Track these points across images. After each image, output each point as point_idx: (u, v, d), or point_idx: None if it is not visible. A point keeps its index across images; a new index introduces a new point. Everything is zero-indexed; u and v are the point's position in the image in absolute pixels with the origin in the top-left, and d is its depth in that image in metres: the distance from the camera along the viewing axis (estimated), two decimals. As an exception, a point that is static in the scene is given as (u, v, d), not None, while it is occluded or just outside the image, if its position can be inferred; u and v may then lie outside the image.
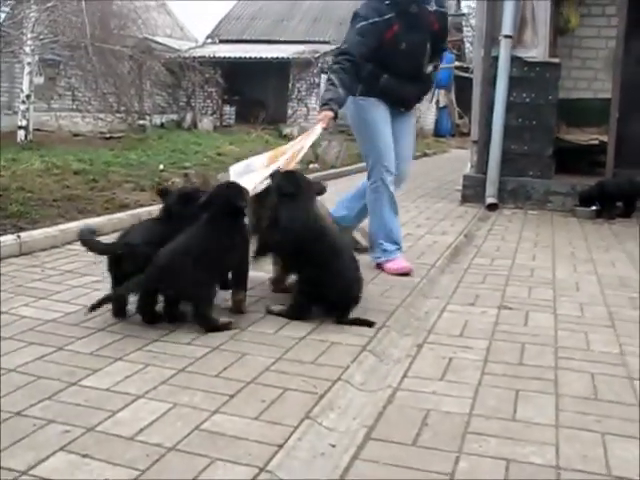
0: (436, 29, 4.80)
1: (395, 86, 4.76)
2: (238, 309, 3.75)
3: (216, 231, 3.57)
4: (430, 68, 4.92)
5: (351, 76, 4.51)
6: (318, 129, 4.44)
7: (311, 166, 11.99)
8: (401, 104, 4.95)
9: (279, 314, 3.71)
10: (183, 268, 3.39)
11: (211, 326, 3.44)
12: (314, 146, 13.17)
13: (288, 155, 4.24)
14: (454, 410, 2.73)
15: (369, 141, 4.90)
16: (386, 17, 4.55)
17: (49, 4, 11.41)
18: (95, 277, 4.28)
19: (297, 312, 3.69)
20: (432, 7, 4.74)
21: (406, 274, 4.73)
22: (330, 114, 4.40)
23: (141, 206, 6.94)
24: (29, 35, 11.78)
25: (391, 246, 4.92)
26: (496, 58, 8.33)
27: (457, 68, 22.01)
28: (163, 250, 3.46)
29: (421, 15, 4.67)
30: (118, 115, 17.47)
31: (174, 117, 22.68)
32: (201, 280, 3.42)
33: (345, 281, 3.69)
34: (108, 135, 15.72)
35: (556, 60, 8.56)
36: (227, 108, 24.68)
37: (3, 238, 4.97)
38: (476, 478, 2.24)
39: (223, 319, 3.52)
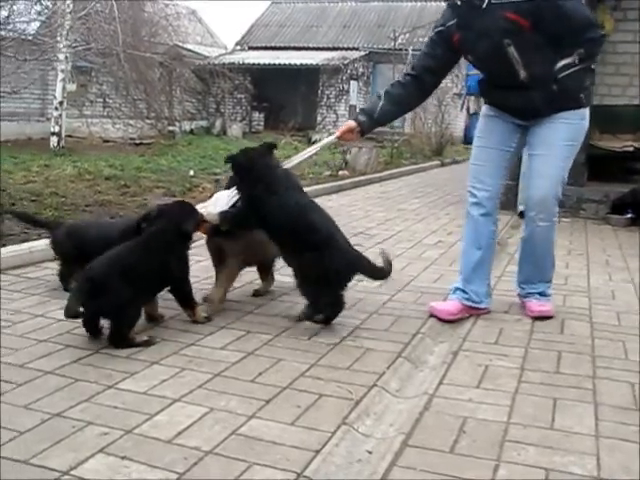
0: (526, 25, 3.64)
1: (495, 94, 4.04)
2: (198, 321, 3.64)
3: (153, 250, 3.48)
4: (554, 69, 3.74)
5: (408, 90, 3.99)
6: (331, 137, 4.15)
7: (340, 172, 11.99)
8: (514, 114, 4.00)
9: (312, 319, 3.60)
10: (108, 282, 3.24)
11: (125, 344, 3.26)
12: (343, 153, 13.21)
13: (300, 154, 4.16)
14: (491, 418, 2.70)
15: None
16: (448, 24, 3.85)
17: (82, 13, 11.55)
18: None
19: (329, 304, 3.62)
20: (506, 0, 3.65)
21: (447, 320, 3.96)
22: (351, 124, 4.00)
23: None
24: (63, 43, 11.93)
25: (456, 284, 4.17)
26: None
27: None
28: (96, 261, 3.36)
29: (484, 15, 3.68)
30: (148, 121, 17.64)
31: (203, 123, 22.86)
32: (124, 298, 3.23)
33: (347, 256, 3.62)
34: (138, 141, 15.89)
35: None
36: (256, 114, 24.84)
37: (38, 243, 5.04)
38: (516, 487, 2.22)
39: (141, 337, 3.35)
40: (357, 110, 4.15)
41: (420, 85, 4.01)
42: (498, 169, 4.08)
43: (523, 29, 3.67)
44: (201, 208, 3.76)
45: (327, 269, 3.50)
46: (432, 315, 3.97)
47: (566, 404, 2.86)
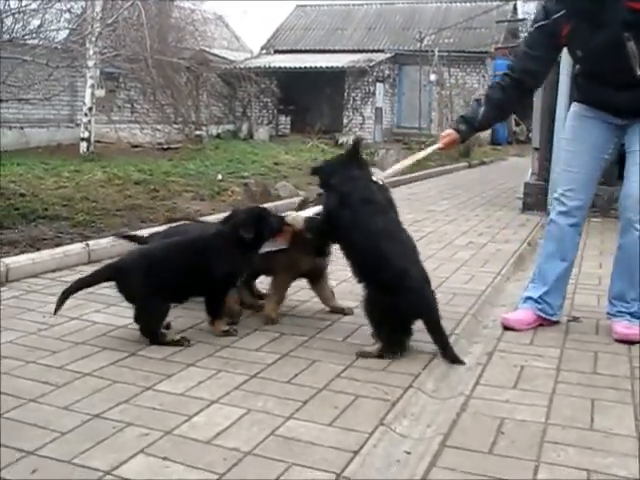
0: None
1: (596, 92, 3.66)
2: (215, 334, 3.53)
3: (193, 251, 3.53)
4: None
5: (508, 94, 3.73)
6: (433, 146, 3.97)
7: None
8: (617, 113, 3.64)
9: (376, 356, 3.25)
10: (134, 271, 3.39)
11: (155, 340, 3.35)
12: (371, 155, 13.23)
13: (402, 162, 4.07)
14: (529, 418, 2.68)
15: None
16: (555, 17, 3.51)
17: (110, 20, 11.66)
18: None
19: (392, 349, 3.27)
20: None
21: (522, 330, 3.80)
22: (451, 133, 3.82)
23: (201, 215, 7.01)
24: (92, 50, 12.05)
25: (527, 292, 3.96)
26: (557, 63, 8.17)
27: (514, 75, 21.75)
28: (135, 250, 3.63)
29: (603, 5, 3.37)
30: (175, 126, 17.74)
31: (230, 127, 22.93)
32: (148, 290, 3.34)
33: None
34: (166, 146, 15.96)
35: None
36: (282, 118, 24.87)
37: (72, 247, 5.10)
38: (557, 488, 2.21)
39: (173, 336, 3.41)
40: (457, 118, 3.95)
41: (521, 87, 3.74)
42: (592, 177, 3.77)
43: None
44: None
45: (392, 310, 3.22)
46: (506, 327, 3.81)
47: (605, 405, 2.83)
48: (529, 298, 3.89)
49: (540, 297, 3.84)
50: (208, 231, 3.72)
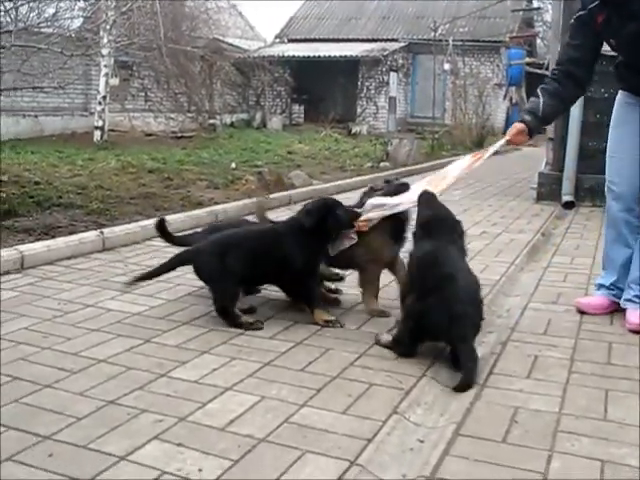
0: None
1: (633, 79, 3.73)
2: (318, 323, 3.54)
3: (271, 240, 3.62)
4: None
5: (562, 83, 3.76)
6: (501, 141, 3.94)
7: (382, 164, 11.96)
8: None
9: (386, 346, 3.23)
10: (210, 255, 3.53)
11: (230, 320, 3.47)
12: (384, 144, 13.19)
13: (464, 164, 3.96)
14: (543, 408, 2.68)
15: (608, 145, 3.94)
16: (590, 7, 3.61)
17: (125, 8, 11.67)
18: (176, 272, 4.34)
19: (399, 348, 3.19)
20: None
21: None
22: (518, 126, 3.78)
23: (216, 204, 7.04)
24: (107, 38, 12.08)
25: (599, 280, 4.05)
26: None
27: (529, 64, 21.61)
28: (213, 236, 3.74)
29: None
30: (189, 115, 17.79)
31: (244, 116, 22.97)
32: (223, 273, 3.47)
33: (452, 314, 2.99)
34: (179, 134, 16.01)
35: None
36: (296, 107, 24.86)
37: (87, 234, 5.13)
38: (571, 478, 2.20)
39: (247, 318, 3.49)
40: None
41: (571, 78, 3.76)
42: (637, 161, 3.74)
43: None
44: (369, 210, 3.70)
45: (421, 313, 3.08)
46: (580, 310, 3.90)
47: (618, 395, 2.82)
48: (602, 286, 3.97)
49: (612, 284, 3.91)
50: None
